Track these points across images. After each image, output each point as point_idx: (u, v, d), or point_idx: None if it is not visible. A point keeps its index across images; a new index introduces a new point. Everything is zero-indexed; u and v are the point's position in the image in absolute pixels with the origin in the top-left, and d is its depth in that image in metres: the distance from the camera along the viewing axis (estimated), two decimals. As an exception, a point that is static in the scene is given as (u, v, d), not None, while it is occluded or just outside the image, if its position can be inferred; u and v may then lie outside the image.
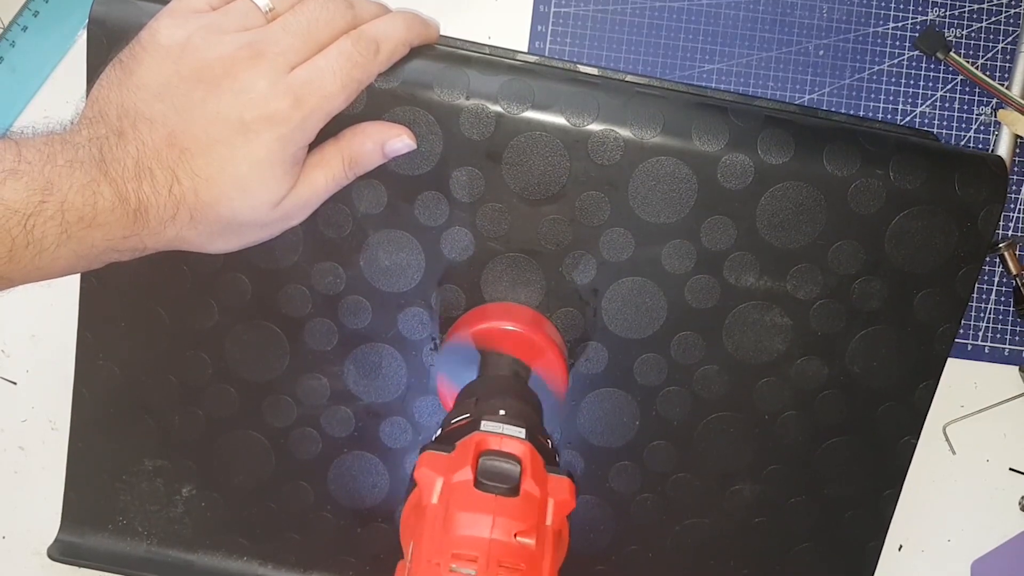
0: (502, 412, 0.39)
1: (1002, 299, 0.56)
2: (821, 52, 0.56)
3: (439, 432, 0.40)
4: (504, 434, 0.37)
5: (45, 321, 0.56)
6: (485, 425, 0.37)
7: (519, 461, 0.36)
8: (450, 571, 0.32)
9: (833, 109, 0.56)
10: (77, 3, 0.55)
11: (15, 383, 0.56)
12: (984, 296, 0.56)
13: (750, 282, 0.49)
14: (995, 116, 0.56)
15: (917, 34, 0.56)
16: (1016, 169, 0.56)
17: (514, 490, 0.35)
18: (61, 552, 0.53)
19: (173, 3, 0.43)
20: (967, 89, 0.56)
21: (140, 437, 0.52)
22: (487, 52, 0.48)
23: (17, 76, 0.55)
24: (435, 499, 0.35)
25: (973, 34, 0.56)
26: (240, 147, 0.40)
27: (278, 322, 0.50)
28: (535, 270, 0.49)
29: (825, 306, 0.49)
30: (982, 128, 0.56)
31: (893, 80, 0.56)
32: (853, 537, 0.53)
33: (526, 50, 0.55)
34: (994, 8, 0.56)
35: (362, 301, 0.49)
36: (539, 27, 0.55)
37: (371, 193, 0.47)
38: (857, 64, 0.56)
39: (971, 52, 0.56)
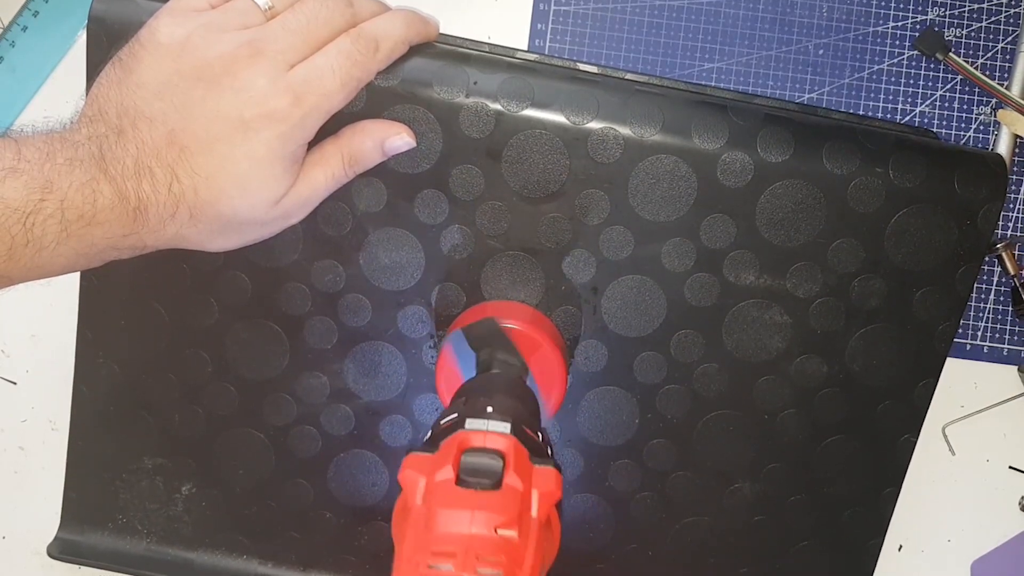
0: (489, 409, 0.39)
1: (1001, 299, 0.56)
2: (821, 51, 0.56)
3: (429, 434, 0.40)
4: (488, 430, 0.37)
5: (45, 321, 0.56)
6: (469, 423, 0.37)
7: (502, 456, 0.36)
8: (428, 569, 0.32)
9: (833, 108, 0.56)
10: (77, 3, 0.55)
11: (15, 383, 0.56)
12: (983, 296, 0.56)
13: (750, 280, 0.49)
14: (994, 116, 0.56)
15: (917, 33, 0.56)
16: (1015, 169, 0.56)
17: (496, 484, 0.35)
18: (61, 550, 0.53)
19: (173, 1, 0.43)
20: (967, 89, 0.56)
21: (140, 435, 0.52)
22: (487, 50, 0.48)
23: (17, 76, 0.55)
24: (419, 500, 0.35)
25: (973, 34, 0.56)
26: (240, 145, 0.40)
27: (278, 320, 0.50)
28: (535, 268, 0.49)
29: (825, 304, 0.49)
30: (981, 128, 0.56)
31: (893, 80, 0.56)
32: (853, 535, 0.53)
33: (526, 48, 0.55)
34: (994, 8, 0.56)
35: (362, 299, 0.49)
36: (539, 25, 0.55)
37: (371, 191, 0.47)
38: (857, 63, 0.56)
39: (971, 52, 0.56)
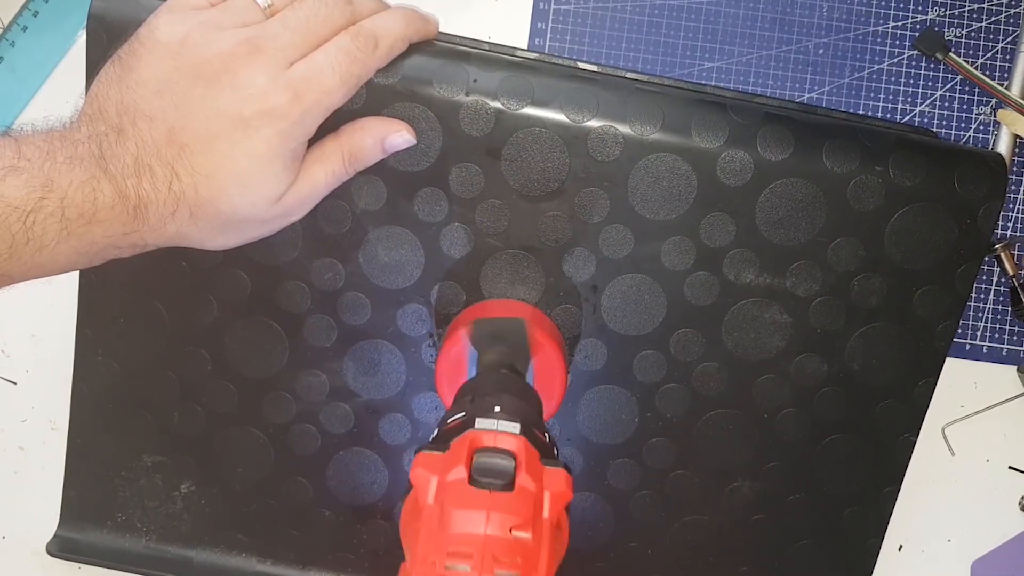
0: (497, 409, 0.39)
1: (1000, 299, 0.56)
2: (821, 51, 0.56)
3: (436, 432, 0.40)
4: (498, 430, 0.37)
5: (45, 321, 0.55)
6: (479, 423, 0.37)
7: (513, 456, 0.36)
8: (445, 569, 0.32)
9: (833, 108, 0.56)
10: (77, 3, 0.55)
11: (15, 383, 0.56)
12: (982, 296, 0.56)
13: (749, 279, 0.49)
14: (994, 116, 0.56)
15: (917, 33, 0.56)
16: (1015, 169, 0.56)
17: (509, 485, 0.35)
18: (60, 548, 0.53)
19: (172, -1, 0.43)
20: (966, 89, 0.56)
21: (139, 433, 0.52)
22: (487, 48, 0.48)
23: (17, 76, 0.55)
24: (430, 499, 0.35)
25: (973, 34, 0.56)
26: (239, 143, 0.40)
27: (277, 318, 0.50)
28: (534, 267, 0.49)
29: (824, 303, 0.49)
30: (981, 128, 0.56)
31: (892, 79, 0.56)
32: (852, 534, 0.53)
33: (526, 47, 0.55)
34: (994, 8, 0.56)
35: (361, 297, 0.49)
36: (539, 24, 0.55)
37: (370, 189, 0.47)
38: (857, 63, 0.56)
39: (971, 52, 0.56)
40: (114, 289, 0.50)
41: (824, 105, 0.55)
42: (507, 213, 0.48)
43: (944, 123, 0.56)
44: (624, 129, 0.46)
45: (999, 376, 0.56)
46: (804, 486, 0.52)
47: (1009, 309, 0.56)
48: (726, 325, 0.49)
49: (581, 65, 0.49)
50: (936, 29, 0.56)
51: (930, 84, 0.56)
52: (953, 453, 0.56)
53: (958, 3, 0.56)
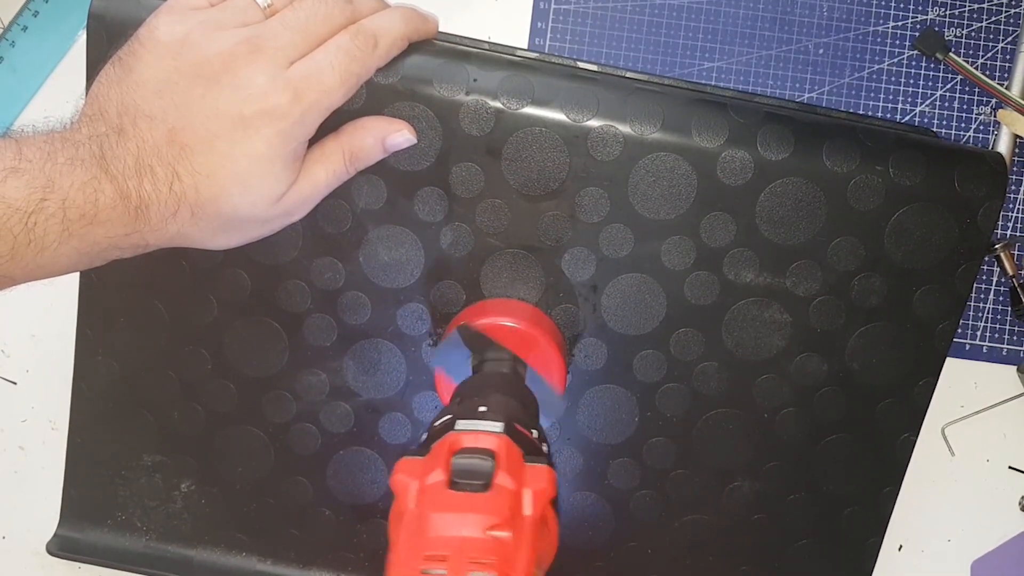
0: (483, 409, 0.39)
1: (1000, 299, 0.56)
2: (821, 51, 0.56)
3: (424, 436, 0.40)
4: (479, 431, 0.37)
5: (45, 321, 0.56)
6: (460, 424, 0.37)
7: (493, 456, 0.36)
8: (422, 574, 0.32)
9: (833, 108, 0.56)
10: (77, 3, 0.55)
11: (15, 383, 0.56)
12: (982, 296, 0.56)
13: (749, 278, 0.49)
14: (994, 116, 0.56)
15: (917, 33, 0.56)
16: (1015, 169, 0.56)
17: (487, 486, 0.35)
18: (60, 547, 0.53)
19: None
20: (966, 89, 0.56)
21: (139, 433, 0.52)
22: (487, 48, 0.48)
23: (17, 76, 0.55)
24: (411, 504, 0.35)
25: (973, 34, 0.56)
26: (240, 143, 0.40)
27: (277, 318, 0.50)
28: (534, 266, 0.49)
29: (824, 303, 0.49)
30: (981, 128, 0.56)
31: (893, 79, 0.56)
32: (852, 534, 0.53)
33: (526, 46, 0.55)
34: (994, 8, 0.56)
35: (361, 297, 0.49)
36: (539, 24, 0.55)
37: (370, 189, 0.47)
38: (857, 63, 0.56)
39: (971, 52, 0.56)
40: (114, 289, 0.50)
41: (824, 105, 0.55)
42: (507, 212, 0.48)
43: (944, 123, 0.56)
44: (624, 129, 0.46)
45: (999, 376, 0.56)
46: (804, 486, 0.52)
47: (1009, 309, 0.56)
48: (726, 325, 0.49)
49: (581, 65, 0.49)
50: (936, 29, 0.56)
51: (930, 84, 0.56)
52: (953, 453, 0.56)
53: (958, 3, 0.56)
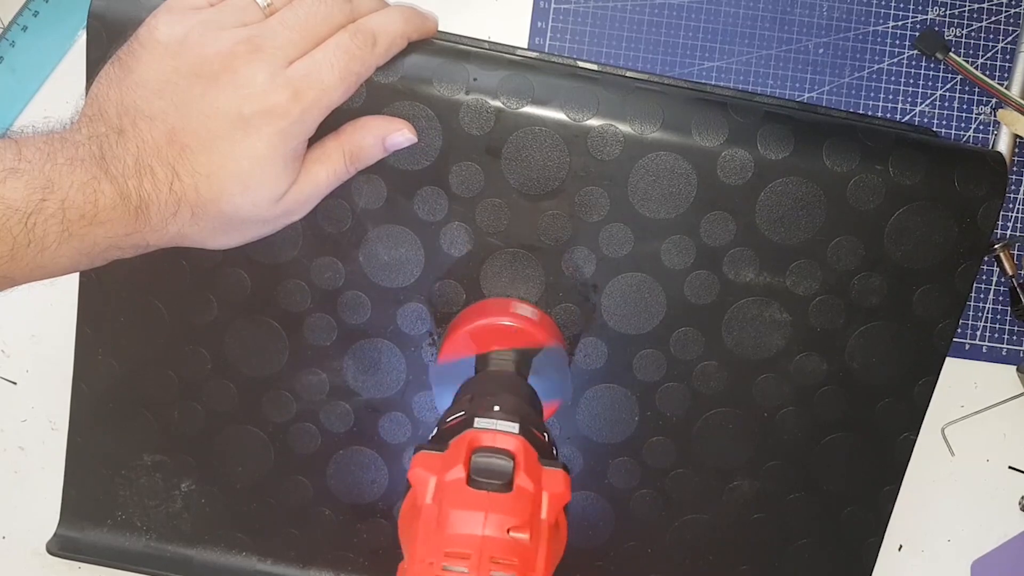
0: (496, 408, 0.39)
1: (999, 299, 0.56)
2: (821, 50, 0.56)
3: (435, 431, 0.40)
4: (497, 430, 0.37)
5: (45, 321, 0.56)
6: (478, 422, 0.37)
7: (512, 456, 0.36)
8: (443, 570, 0.32)
9: (833, 107, 0.56)
10: (77, 3, 0.55)
11: (15, 383, 0.56)
12: (982, 296, 0.56)
13: (749, 278, 0.49)
14: (994, 116, 0.56)
15: (917, 33, 0.56)
16: (1015, 168, 0.56)
17: (507, 486, 0.35)
18: (60, 547, 0.53)
19: (171, -1, 0.43)
20: (966, 88, 0.56)
21: (139, 432, 0.52)
22: (487, 47, 0.48)
23: (17, 76, 0.55)
24: (429, 499, 0.35)
25: (973, 34, 0.56)
26: (240, 142, 0.40)
27: (277, 317, 0.50)
28: (534, 266, 0.49)
29: (824, 302, 0.49)
30: (981, 127, 0.56)
31: (893, 79, 0.56)
32: (852, 533, 0.53)
33: (526, 46, 0.55)
34: (994, 8, 0.56)
35: (361, 296, 0.49)
36: (539, 23, 0.55)
37: (370, 188, 0.47)
38: (857, 63, 0.56)
39: (971, 52, 0.56)
40: (114, 288, 0.50)
41: (824, 104, 0.55)
42: (507, 212, 0.48)
43: (944, 123, 0.56)
44: (624, 128, 0.46)
45: (999, 376, 0.56)
46: (804, 485, 0.52)
47: (1009, 309, 0.56)
48: (726, 324, 0.49)
49: (581, 64, 0.49)
50: (936, 29, 0.56)
51: (930, 84, 0.56)
52: (953, 453, 0.56)
53: (958, 3, 0.56)
